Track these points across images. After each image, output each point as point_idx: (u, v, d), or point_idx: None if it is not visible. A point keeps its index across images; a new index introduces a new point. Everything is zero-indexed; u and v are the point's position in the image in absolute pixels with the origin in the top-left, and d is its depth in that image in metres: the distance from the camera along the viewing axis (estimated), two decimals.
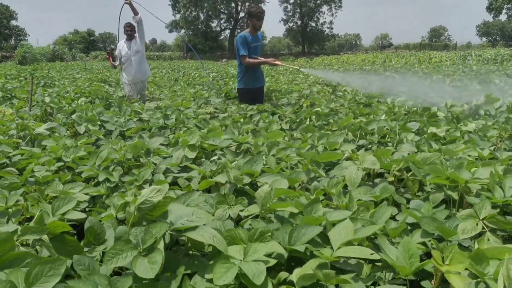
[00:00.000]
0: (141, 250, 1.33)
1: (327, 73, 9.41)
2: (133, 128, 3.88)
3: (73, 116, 4.16)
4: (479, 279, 1.28)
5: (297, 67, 7.11)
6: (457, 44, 68.18)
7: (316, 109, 4.35)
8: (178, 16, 57.37)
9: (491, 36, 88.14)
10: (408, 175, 2.31)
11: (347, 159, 2.64)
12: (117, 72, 16.09)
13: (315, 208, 1.66)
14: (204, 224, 1.44)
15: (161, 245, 1.32)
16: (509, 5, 57.93)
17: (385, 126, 3.30)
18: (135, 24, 7.15)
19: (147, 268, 1.26)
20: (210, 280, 1.30)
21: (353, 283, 1.25)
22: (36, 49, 33.27)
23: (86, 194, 2.23)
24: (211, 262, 1.38)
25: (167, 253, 1.48)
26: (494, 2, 57.60)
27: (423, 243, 1.60)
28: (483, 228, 1.55)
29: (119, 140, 3.71)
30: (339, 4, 59.81)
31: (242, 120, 4.06)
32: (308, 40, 61.60)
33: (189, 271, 1.39)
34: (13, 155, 3.02)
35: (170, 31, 57.31)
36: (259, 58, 5.97)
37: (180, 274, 1.33)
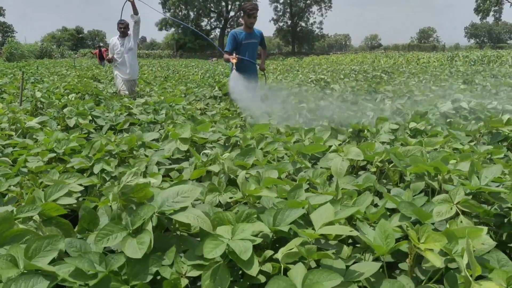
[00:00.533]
0: (130, 231, 1.41)
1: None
2: (123, 120, 3.94)
3: (64, 110, 4.21)
4: (448, 256, 1.38)
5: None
6: (445, 45, 68.92)
7: (301, 105, 4.45)
8: (168, 14, 57.17)
9: (479, 37, 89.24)
10: (390, 166, 2.42)
11: (333, 151, 2.74)
12: (106, 70, 16.05)
13: (298, 193, 1.76)
14: (192, 203, 1.52)
15: (149, 227, 1.40)
16: (496, 8, 58.82)
17: (364, 121, 3.41)
18: (132, 23, 7.17)
19: (136, 248, 1.34)
20: (200, 257, 1.39)
21: (333, 258, 1.34)
22: (24, 46, 32.94)
23: (80, 185, 2.30)
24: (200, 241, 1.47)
25: (156, 234, 1.56)
26: (481, 4, 58.41)
27: (401, 227, 1.70)
28: (457, 212, 1.66)
29: (110, 133, 3.77)
30: (329, 4, 60.14)
31: (230, 115, 4.14)
32: (298, 40, 61.86)
33: (178, 250, 1.47)
34: (5, 147, 3.07)
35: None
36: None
37: (172, 252, 1.42)
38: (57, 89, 6.90)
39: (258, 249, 1.52)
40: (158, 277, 1.39)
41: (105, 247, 1.46)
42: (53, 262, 1.32)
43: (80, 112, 4.16)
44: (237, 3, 57.96)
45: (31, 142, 3.11)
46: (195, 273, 1.38)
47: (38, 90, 6.59)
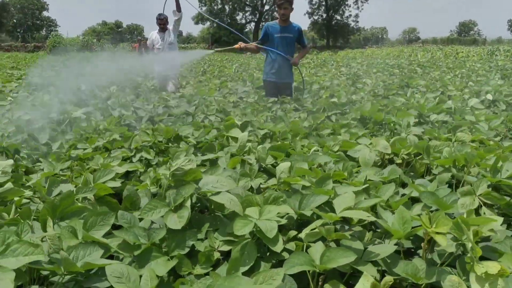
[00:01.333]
0: (172, 208, 1.59)
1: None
2: (162, 112, 4.16)
3: (108, 102, 4.48)
4: (459, 241, 1.49)
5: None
6: (487, 39, 66.46)
7: (333, 100, 4.54)
8: (204, 8, 57.78)
9: None
10: (417, 158, 2.51)
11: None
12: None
13: (325, 182, 1.89)
14: (227, 191, 1.69)
15: (188, 203, 1.58)
16: None
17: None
18: (174, 19, 7.23)
19: (176, 221, 1.52)
20: (231, 234, 1.55)
21: (348, 237, 1.48)
22: (66, 40, 34.17)
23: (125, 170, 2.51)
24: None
25: (194, 213, 1.74)
26: None
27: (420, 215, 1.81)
28: (479, 203, 1.75)
29: (149, 124, 4.00)
30: None
31: (261, 108, 4.29)
32: (333, 33, 61.18)
33: (212, 228, 1.64)
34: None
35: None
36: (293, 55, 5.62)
37: (205, 228, 1.59)
38: (99, 82, 7.24)
39: (283, 229, 1.67)
40: (195, 250, 1.56)
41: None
42: (106, 235, 1.52)
43: (123, 104, 4.42)
44: None
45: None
46: (226, 247, 1.55)
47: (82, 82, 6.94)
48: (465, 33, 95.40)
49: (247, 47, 5.47)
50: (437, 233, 1.47)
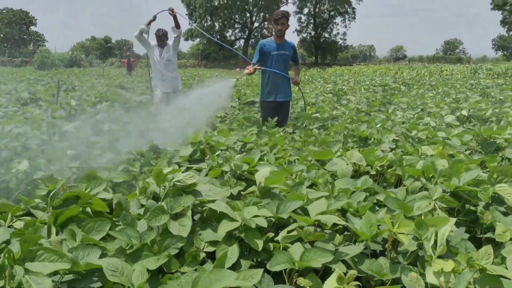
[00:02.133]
0: (171, 215, 1.74)
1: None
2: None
3: (97, 117, 4.62)
4: (420, 241, 1.66)
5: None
6: (471, 57, 67.98)
7: (315, 115, 4.74)
8: (194, 25, 58.34)
9: (507, 50, 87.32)
10: (389, 170, 2.69)
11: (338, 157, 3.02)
12: (134, 79, 16.67)
13: (299, 188, 2.05)
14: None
15: (189, 213, 1.73)
16: None
17: (368, 130, 3.68)
18: (174, 36, 6.83)
19: (179, 229, 1.67)
20: (215, 237, 1.71)
21: (326, 237, 1.64)
22: (54, 55, 34.25)
23: (111, 181, 2.65)
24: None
25: None
26: (508, 16, 57.59)
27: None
28: (435, 206, 1.93)
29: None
30: (353, 16, 60.31)
31: (247, 123, 4.47)
32: (322, 50, 62.07)
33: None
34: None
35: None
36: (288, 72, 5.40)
37: (192, 234, 1.74)
38: (88, 97, 7.38)
39: (262, 232, 1.82)
40: (183, 251, 1.70)
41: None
42: (103, 239, 1.66)
43: (112, 118, 4.56)
44: (261, 14, 58.75)
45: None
46: (211, 249, 1.70)
47: (71, 98, 7.08)
48: (451, 51, 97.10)
49: (256, 69, 5.10)
50: (400, 233, 1.64)
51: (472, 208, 2.03)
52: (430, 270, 1.48)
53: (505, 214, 1.97)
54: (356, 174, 2.91)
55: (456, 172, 2.10)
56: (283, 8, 54.58)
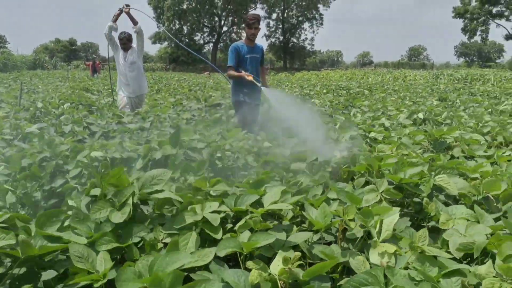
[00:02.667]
0: (117, 207, 1.80)
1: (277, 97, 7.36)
2: (117, 129, 4.33)
3: (61, 118, 4.59)
4: (366, 228, 1.79)
5: (261, 86, 5.74)
6: (434, 63, 70.36)
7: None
8: (162, 28, 57.84)
9: (468, 56, 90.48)
10: (343, 167, 2.83)
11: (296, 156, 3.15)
12: (99, 81, 16.43)
13: (259, 184, 2.16)
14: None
15: (130, 201, 1.79)
16: (483, 27, 60.41)
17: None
18: (134, 34, 6.53)
19: (119, 216, 1.73)
20: (174, 229, 1.78)
21: (271, 226, 1.75)
22: (17, 57, 33.26)
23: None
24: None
25: (140, 212, 1.95)
26: (468, 24, 60.05)
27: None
28: (381, 198, 2.07)
29: (102, 139, 4.16)
30: (320, 22, 61.36)
31: (212, 124, 4.55)
32: (290, 55, 62.80)
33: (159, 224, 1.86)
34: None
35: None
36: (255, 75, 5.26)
37: (149, 223, 1.81)
38: (52, 99, 7.26)
39: (222, 223, 1.91)
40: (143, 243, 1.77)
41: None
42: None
43: (75, 120, 4.54)
44: (230, 18, 58.89)
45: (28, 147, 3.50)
46: (169, 240, 1.77)
47: (33, 100, 6.96)
48: (415, 57, 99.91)
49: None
50: (349, 220, 1.77)
51: (416, 199, 2.18)
52: (374, 252, 1.61)
53: (446, 203, 2.13)
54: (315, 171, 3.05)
55: (401, 167, 2.26)
56: (252, 12, 54.94)
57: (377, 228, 1.70)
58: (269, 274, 1.50)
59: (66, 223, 1.75)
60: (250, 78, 5.04)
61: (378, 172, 2.44)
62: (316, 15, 60.85)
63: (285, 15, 60.42)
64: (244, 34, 5.34)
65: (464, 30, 61.25)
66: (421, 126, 5.18)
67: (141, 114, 5.41)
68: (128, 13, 6.40)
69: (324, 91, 11.61)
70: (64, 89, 11.11)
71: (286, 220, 2.06)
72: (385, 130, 4.29)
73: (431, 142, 3.56)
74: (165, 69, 51.78)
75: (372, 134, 3.74)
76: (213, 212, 1.80)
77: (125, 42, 6.52)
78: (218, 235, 1.74)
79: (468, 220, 1.91)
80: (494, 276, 1.38)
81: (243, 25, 5.29)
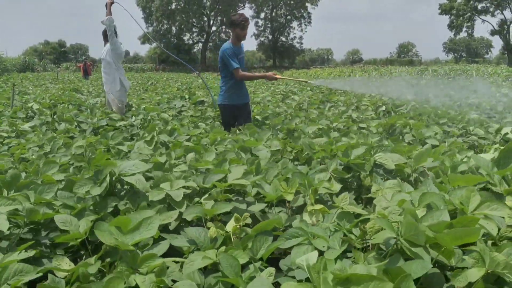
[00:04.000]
0: (99, 184, 2.17)
1: (337, 83, 8.94)
2: (108, 127, 4.69)
3: (55, 117, 4.94)
4: (303, 195, 2.18)
5: (305, 80, 6.33)
6: (422, 60, 71.26)
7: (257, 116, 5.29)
8: (150, 29, 58.04)
9: (457, 52, 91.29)
10: (303, 155, 3.24)
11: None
12: (89, 82, 16.70)
13: (223, 165, 2.55)
14: (142, 172, 2.29)
15: (107, 178, 2.16)
16: (469, 24, 61.40)
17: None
18: (104, 27, 6.37)
19: (98, 190, 2.10)
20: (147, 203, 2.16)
21: (231, 198, 2.14)
22: (6, 60, 33.31)
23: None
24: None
25: (119, 189, 2.33)
26: (454, 21, 61.03)
27: None
28: (330, 177, 2.47)
29: (92, 135, 4.52)
30: (309, 20, 62.04)
31: (197, 121, 4.95)
32: (279, 54, 63.38)
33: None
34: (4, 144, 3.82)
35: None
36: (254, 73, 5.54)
37: (124, 197, 2.19)
38: (43, 100, 7.60)
39: (190, 197, 2.30)
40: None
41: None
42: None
43: (67, 119, 4.90)
44: (219, 18, 59.23)
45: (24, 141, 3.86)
46: None
47: (25, 101, 7.29)
48: (405, 54, 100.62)
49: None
50: (289, 192, 2.17)
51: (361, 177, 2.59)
52: (306, 212, 2.00)
53: (387, 178, 2.53)
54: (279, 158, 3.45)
55: (349, 149, 2.66)
56: (241, 12, 55.36)
57: (313, 197, 2.10)
58: (225, 232, 1.89)
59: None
60: (279, 76, 5.25)
61: (331, 155, 2.84)
62: (305, 14, 61.49)
63: (274, 14, 60.90)
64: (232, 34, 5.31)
65: (450, 26, 62.23)
66: (385, 116, 5.62)
67: (131, 112, 5.76)
68: (110, 4, 6.29)
69: (309, 88, 12.02)
70: (55, 90, 11.41)
71: (250, 195, 2.45)
72: (352, 122, 4.70)
73: (386, 129, 3.98)
74: (154, 69, 51.98)
75: (335, 124, 4.15)
76: (181, 188, 2.19)
77: (104, 37, 6.49)
78: (182, 209, 2.11)
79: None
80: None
81: (232, 26, 5.19)
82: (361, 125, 4.31)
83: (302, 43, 65.16)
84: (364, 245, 1.74)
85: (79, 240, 1.80)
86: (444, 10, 61.07)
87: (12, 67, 33.05)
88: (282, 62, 63.55)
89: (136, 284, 1.45)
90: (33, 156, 3.31)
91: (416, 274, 1.24)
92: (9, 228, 1.78)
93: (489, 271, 1.23)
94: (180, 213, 2.04)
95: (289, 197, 2.10)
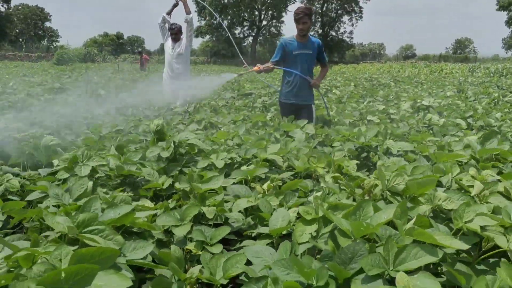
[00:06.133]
0: (165, 149, 2.88)
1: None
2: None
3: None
4: (327, 170, 2.78)
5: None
6: (478, 56, 68.45)
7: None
8: (203, 22, 59.63)
9: None
10: (331, 137, 3.82)
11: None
12: (146, 74, 17.87)
13: (260, 142, 3.19)
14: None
15: (172, 145, 2.86)
16: None
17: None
18: (185, 24, 6.74)
19: (167, 153, 2.80)
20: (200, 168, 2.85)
21: (266, 166, 2.78)
22: (71, 51, 35.67)
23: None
24: None
25: (178, 157, 3.03)
26: None
27: None
28: (345, 155, 3.05)
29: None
30: (360, 14, 61.40)
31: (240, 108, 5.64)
32: (329, 49, 63.05)
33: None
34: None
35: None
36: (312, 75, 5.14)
37: (182, 162, 2.88)
38: (110, 89, 8.59)
39: (233, 165, 2.96)
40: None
41: None
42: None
43: (133, 104, 5.75)
44: (270, 12, 59.83)
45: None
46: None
47: (98, 88, 8.30)
48: (461, 50, 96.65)
49: (265, 68, 4.92)
50: (318, 166, 2.77)
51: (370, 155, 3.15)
52: (327, 177, 2.60)
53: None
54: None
55: (364, 134, 3.23)
56: (292, 6, 55.65)
57: (332, 169, 2.70)
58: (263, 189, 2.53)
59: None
60: (255, 68, 4.91)
61: (346, 139, 3.42)
62: (356, 8, 60.78)
63: (324, 8, 60.67)
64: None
65: (508, 23, 59.39)
66: (423, 111, 6.04)
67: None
68: (184, 2, 6.65)
69: (352, 83, 12.42)
70: (117, 80, 12.53)
71: (282, 168, 3.08)
72: (387, 116, 5.20)
73: (421, 124, 4.49)
74: (206, 62, 53.47)
75: (369, 117, 4.71)
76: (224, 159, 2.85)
77: (176, 32, 6.80)
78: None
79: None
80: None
81: (294, 21, 4.86)
82: (393, 116, 4.83)
83: (352, 38, 64.61)
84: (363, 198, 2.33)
85: (158, 188, 2.50)
86: (502, 6, 58.34)
87: (75, 57, 35.36)
88: (331, 57, 63.32)
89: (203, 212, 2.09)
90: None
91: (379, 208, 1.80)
92: (100, 178, 2.53)
93: (434, 207, 1.80)
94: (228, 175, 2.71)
95: (320, 170, 2.71)
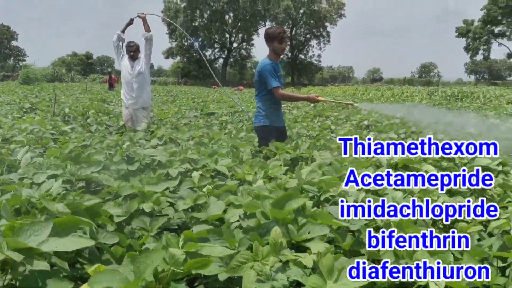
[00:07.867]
0: (131, 163, 3.31)
1: (389, 108, 8.57)
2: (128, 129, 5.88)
3: (88, 121, 6.17)
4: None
5: (351, 103, 5.95)
6: (441, 80, 71.72)
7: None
8: (174, 44, 60.31)
9: (479, 74, 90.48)
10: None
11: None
12: (115, 94, 18.17)
13: (213, 156, 3.66)
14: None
15: (136, 160, 3.30)
16: (485, 47, 61.96)
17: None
18: (144, 41, 6.51)
19: (134, 167, 3.24)
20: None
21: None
22: (37, 70, 35.36)
23: None
24: None
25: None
26: (471, 44, 61.76)
27: None
28: (280, 164, 3.56)
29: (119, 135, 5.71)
30: (328, 39, 63.56)
31: (200, 126, 6.11)
32: (298, 71, 64.74)
33: None
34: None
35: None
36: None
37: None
38: (77, 108, 8.90)
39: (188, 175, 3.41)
40: None
41: None
42: None
43: (99, 122, 6.12)
44: (240, 35, 61.15)
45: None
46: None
47: (62, 108, 8.60)
48: (426, 74, 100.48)
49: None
50: (249, 173, 3.25)
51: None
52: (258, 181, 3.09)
53: None
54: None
55: (299, 146, 3.76)
56: (262, 29, 57.05)
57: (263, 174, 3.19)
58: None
59: None
60: (321, 98, 4.84)
61: (286, 152, 3.94)
62: (324, 33, 62.92)
63: (293, 32, 62.46)
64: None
65: (466, 49, 62.89)
66: (365, 130, 6.67)
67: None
68: (144, 19, 6.41)
69: (312, 104, 13.09)
70: (84, 100, 12.80)
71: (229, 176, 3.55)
72: (330, 132, 5.78)
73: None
74: (177, 83, 53.89)
75: (310, 132, 5.26)
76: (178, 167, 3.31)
77: (134, 50, 6.51)
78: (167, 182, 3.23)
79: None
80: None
81: (269, 40, 4.64)
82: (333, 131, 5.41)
83: (320, 61, 66.52)
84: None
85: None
86: (461, 33, 61.79)
87: (43, 77, 35.08)
88: (301, 80, 64.90)
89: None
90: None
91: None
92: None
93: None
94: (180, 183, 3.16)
95: (248, 177, 3.19)
